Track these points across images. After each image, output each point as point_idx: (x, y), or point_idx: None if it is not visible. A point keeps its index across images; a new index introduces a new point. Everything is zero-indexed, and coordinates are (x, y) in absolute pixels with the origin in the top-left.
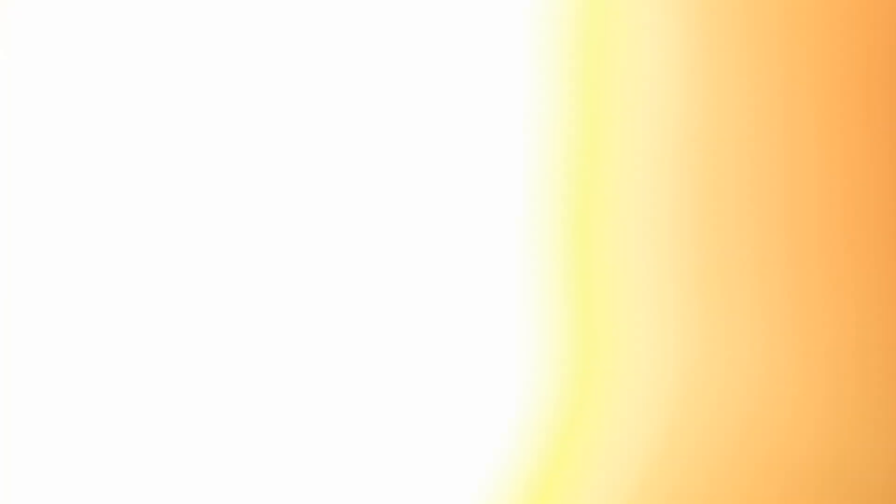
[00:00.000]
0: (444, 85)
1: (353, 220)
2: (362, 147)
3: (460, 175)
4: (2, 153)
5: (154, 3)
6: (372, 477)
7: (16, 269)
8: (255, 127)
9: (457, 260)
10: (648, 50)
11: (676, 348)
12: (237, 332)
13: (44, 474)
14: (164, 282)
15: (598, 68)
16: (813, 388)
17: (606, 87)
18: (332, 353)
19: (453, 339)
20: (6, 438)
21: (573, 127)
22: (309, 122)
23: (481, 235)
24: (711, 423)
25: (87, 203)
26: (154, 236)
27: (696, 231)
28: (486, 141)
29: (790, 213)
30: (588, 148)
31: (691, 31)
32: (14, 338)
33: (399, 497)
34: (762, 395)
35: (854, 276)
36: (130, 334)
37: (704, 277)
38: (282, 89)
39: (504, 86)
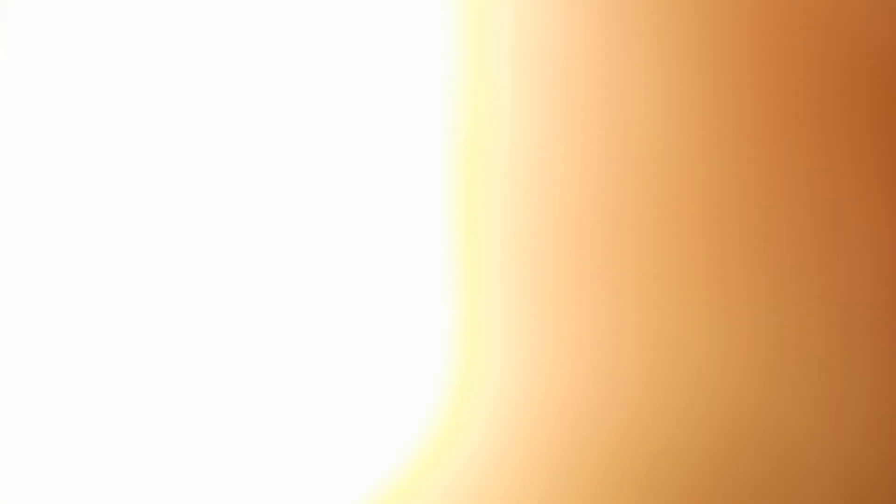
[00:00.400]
0: (331, 81)
1: (238, 218)
2: (256, 145)
3: (344, 171)
4: (2, 153)
5: (154, 4)
6: (251, 473)
7: (16, 269)
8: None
9: (338, 257)
10: (527, 50)
11: (560, 345)
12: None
13: (44, 474)
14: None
15: (479, 67)
16: (700, 384)
17: (491, 84)
18: (220, 351)
19: (334, 335)
20: (6, 438)
21: (458, 121)
22: (194, 123)
23: (361, 232)
24: (598, 418)
25: (87, 203)
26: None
27: (582, 228)
28: (368, 137)
29: (657, 215)
30: (473, 143)
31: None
32: (14, 338)
33: (279, 494)
34: (650, 391)
35: (715, 272)
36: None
37: (588, 274)
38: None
39: (389, 82)
